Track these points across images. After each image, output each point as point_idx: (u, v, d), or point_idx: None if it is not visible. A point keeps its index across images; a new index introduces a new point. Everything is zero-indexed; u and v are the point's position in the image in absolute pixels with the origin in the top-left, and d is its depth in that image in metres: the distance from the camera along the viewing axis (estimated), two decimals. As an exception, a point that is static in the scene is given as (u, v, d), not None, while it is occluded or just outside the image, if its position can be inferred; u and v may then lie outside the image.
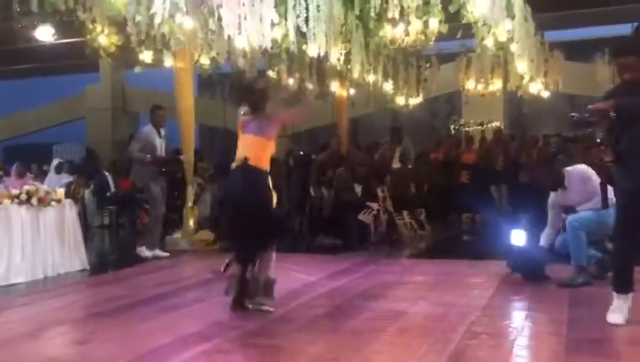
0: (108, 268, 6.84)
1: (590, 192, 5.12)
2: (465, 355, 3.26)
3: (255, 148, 4.28)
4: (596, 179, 5.18)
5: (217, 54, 7.04)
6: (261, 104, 4.38)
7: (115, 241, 10.14)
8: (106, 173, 11.62)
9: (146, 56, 6.80)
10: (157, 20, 5.25)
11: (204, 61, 7.58)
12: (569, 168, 5.34)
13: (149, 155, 7.13)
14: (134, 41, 6.64)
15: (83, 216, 10.68)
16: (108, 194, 11.32)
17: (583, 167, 5.32)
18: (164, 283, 5.51)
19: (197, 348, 3.45)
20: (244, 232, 4.23)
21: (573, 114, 2.88)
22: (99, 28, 6.87)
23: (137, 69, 7.15)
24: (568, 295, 4.62)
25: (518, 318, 4.08)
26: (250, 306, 4.24)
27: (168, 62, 6.86)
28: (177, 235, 8.00)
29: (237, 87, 4.58)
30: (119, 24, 6.74)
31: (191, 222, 7.92)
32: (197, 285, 5.54)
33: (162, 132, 7.38)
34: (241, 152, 4.29)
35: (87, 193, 11.64)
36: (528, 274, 5.17)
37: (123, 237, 10.43)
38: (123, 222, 11.29)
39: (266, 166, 4.31)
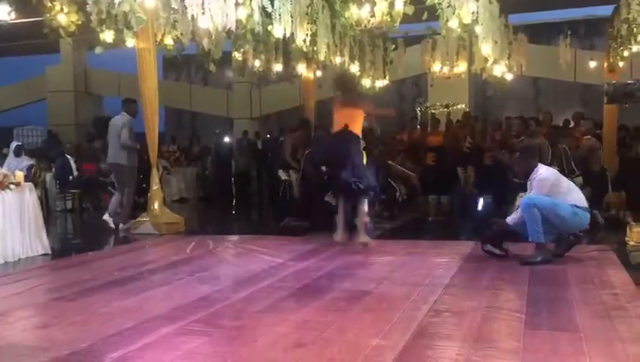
0: (71, 252, 6.72)
1: (547, 195, 5.20)
2: (428, 332, 3.31)
3: (352, 119, 5.84)
4: (556, 183, 5.24)
5: (181, 34, 6.93)
6: (355, 91, 6.39)
7: (78, 225, 9.97)
8: (69, 157, 11.40)
9: (107, 36, 6.64)
10: (117, -2, 5.13)
11: (168, 42, 7.46)
12: (540, 167, 5.33)
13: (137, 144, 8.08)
14: (95, 21, 6.50)
15: (45, 200, 10.49)
16: (70, 177, 11.11)
17: (544, 176, 5.26)
18: (128, 267, 5.46)
19: (161, 330, 3.42)
20: (343, 178, 5.71)
21: (611, 82, 2.52)
22: (57, 6, 6.69)
23: (98, 50, 6.98)
24: (528, 273, 4.74)
25: (480, 296, 4.15)
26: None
27: (130, 42, 6.71)
28: (143, 218, 7.89)
29: (341, 79, 6.54)
30: (79, 2, 6.58)
31: (156, 205, 7.82)
32: (162, 268, 5.48)
33: None
34: (342, 121, 5.87)
35: (48, 177, 11.41)
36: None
37: (86, 221, 10.27)
38: (86, 205, 11.11)
39: (359, 131, 5.90)
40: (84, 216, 10.72)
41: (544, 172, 5.30)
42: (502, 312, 3.70)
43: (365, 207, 5.91)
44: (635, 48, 8.26)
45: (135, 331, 3.42)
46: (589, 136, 8.27)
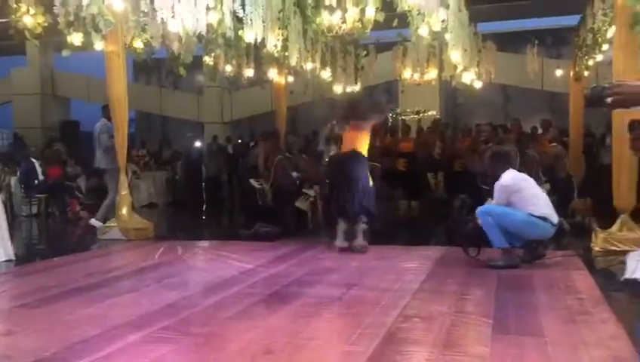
0: (35, 258, 6.58)
1: (508, 201, 5.27)
2: (397, 337, 3.32)
3: (358, 141, 6.46)
4: (517, 189, 5.26)
5: (151, 38, 6.87)
6: (360, 115, 6.68)
7: (43, 231, 9.77)
8: (34, 160, 11.16)
9: (75, 38, 6.53)
10: (85, 1, 5.06)
11: (138, 45, 7.38)
12: (506, 173, 5.35)
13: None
14: (62, 23, 6.40)
15: (10, 205, 10.26)
16: (36, 181, 10.89)
17: (502, 183, 5.30)
18: (95, 273, 5.36)
19: (128, 338, 3.37)
20: (349, 191, 6.26)
21: (587, 89, 2.57)
22: (24, 7, 6.56)
23: (65, 53, 6.87)
24: (496, 278, 4.79)
25: (449, 301, 4.18)
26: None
27: (98, 45, 6.62)
28: (110, 224, 7.77)
29: (348, 106, 7.09)
30: (46, 4, 6.46)
31: (124, 210, 7.70)
32: (129, 274, 5.41)
33: None
34: (350, 144, 6.46)
35: (13, 181, 11.17)
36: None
37: (52, 227, 10.08)
38: (52, 210, 10.90)
39: (364, 151, 6.48)
40: (49, 221, 10.51)
41: (505, 178, 5.34)
42: (470, 317, 3.73)
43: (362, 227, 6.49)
44: (600, 57, 8.45)
45: (101, 339, 3.36)
46: (554, 144, 8.42)
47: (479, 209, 5.33)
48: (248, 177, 8.76)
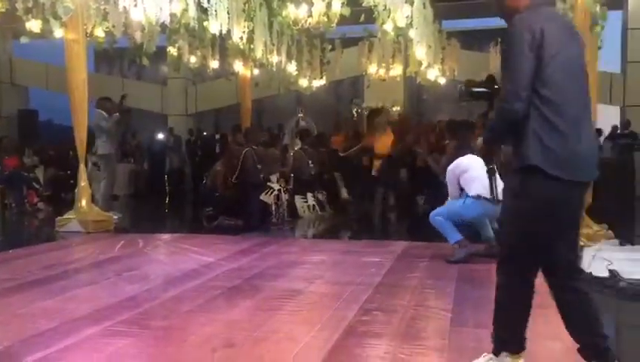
0: (-10, 250, 6.39)
1: (459, 186, 5.42)
2: (358, 331, 3.35)
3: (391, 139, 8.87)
4: (464, 170, 5.37)
5: (113, 26, 6.74)
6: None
7: None
8: (-10, 150, 10.86)
9: (34, 25, 6.36)
10: (44, -14, 4.94)
11: (99, 33, 7.23)
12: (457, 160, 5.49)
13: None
14: (20, 9, 6.24)
15: (-36, 196, 9.96)
16: (-9, 172, 10.60)
17: (449, 168, 5.49)
18: (53, 266, 5.24)
19: (85, 331, 3.31)
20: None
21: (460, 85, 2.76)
22: (-21, -7, 6.37)
23: (24, 39, 6.69)
24: (456, 272, 4.86)
25: (409, 295, 4.22)
26: None
27: (58, 32, 6.45)
28: (69, 216, 7.60)
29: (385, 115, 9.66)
30: (4, -11, 6.29)
31: (84, 202, 7.54)
32: (88, 267, 5.31)
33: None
34: (388, 141, 8.85)
35: (-32, 171, 10.82)
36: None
37: (9, 219, 9.81)
38: (9, 202, 10.61)
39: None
40: (6, 213, 10.23)
41: (456, 161, 5.48)
42: (430, 310, 3.78)
43: None
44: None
45: (57, 332, 3.29)
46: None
47: (431, 215, 5.48)
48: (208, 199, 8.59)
